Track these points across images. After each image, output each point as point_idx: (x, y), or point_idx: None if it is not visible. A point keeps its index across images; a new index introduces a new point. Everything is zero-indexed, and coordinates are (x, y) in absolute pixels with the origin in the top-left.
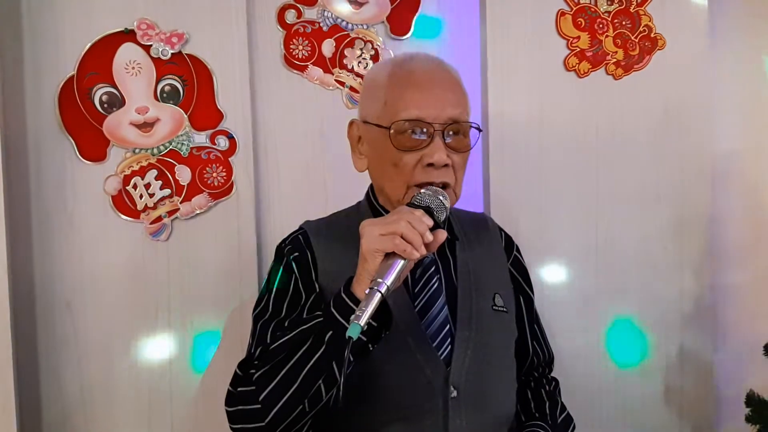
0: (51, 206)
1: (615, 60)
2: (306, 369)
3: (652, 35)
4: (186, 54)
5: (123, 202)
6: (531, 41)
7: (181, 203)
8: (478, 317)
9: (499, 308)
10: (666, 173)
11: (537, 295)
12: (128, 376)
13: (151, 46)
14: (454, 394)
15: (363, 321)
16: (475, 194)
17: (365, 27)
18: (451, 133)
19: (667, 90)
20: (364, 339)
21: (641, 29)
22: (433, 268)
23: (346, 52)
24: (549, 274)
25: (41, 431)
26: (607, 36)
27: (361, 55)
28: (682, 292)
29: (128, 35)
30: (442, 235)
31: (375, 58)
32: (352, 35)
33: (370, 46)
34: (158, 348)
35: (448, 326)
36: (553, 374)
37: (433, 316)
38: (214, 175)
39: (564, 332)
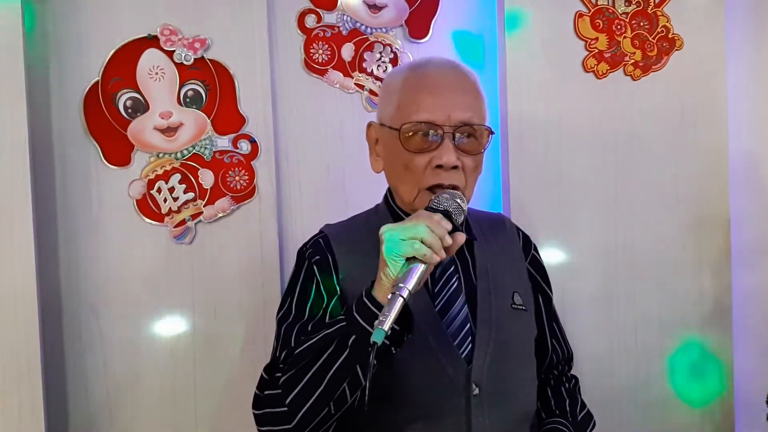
0: (77, 210)
1: (633, 61)
2: (331, 373)
3: (670, 36)
4: (208, 59)
5: (147, 206)
6: (549, 43)
7: (204, 207)
8: (498, 316)
9: (519, 306)
10: (684, 173)
11: (557, 297)
12: (153, 378)
13: (174, 51)
14: (476, 391)
15: (387, 326)
16: (494, 196)
17: (384, 30)
18: (463, 135)
19: (684, 90)
20: (387, 342)
21: (659, 30)
22: (452, 268)
23: (365, 56)
24: (568, 276)
25: None
26: (625, 37)
27: (380, 59)
28: (701, 293)
29: (152, 41)
30: (461, 237)
31: (394, 61)
32: (372, 39)
33: (389, 49)
34: (182, 350)
35: (468, 325)
36: (573, 373)
37: (453, 316)
38: (237, 178)
39: (583, 332)
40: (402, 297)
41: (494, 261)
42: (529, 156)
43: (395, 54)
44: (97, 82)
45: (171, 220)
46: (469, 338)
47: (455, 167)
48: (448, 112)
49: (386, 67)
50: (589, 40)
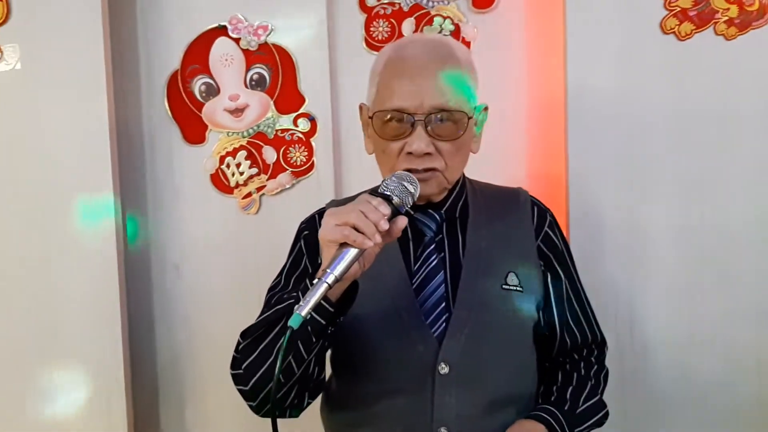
0: (161, 183)
1: (727, 18)
2: (278, 345)
3: None
4: (271, 44)
5: (219, 180)
6: (619, 3)
7: (267, 180)
8: (483, 297)
9: (511, 287)
10: None
11: (625, 282)
12: (226, 327)
13: (240, 38)
14: (446, 370)
15: (305, 311)
16: (554, 174)
17: (446, 3)
18: (438, 120)
19: None
20: (324, 322)
21: None
22: (432, 246)
23: (425, 30)
24: (639, 261)
25: (156, 371)
26: None
27: (440, 32)
28: None
29: (221, 30)
30: (402, 221)
31: (455, 33)
32: (433, 12)
33: (450, 22)
34: (249, 305)
35: (443, 304)
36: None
37: (429, 294)
38: (297, 154)
39: (659, 323)
40: (326, 283)
41: (491, 240)
42: (593, 130)
43: (457, 26)
44: (177, 70)
45: (239, 192)
46: (444, 317)
47: (427, 153)
48: (421, 98)
49: None
50: None
